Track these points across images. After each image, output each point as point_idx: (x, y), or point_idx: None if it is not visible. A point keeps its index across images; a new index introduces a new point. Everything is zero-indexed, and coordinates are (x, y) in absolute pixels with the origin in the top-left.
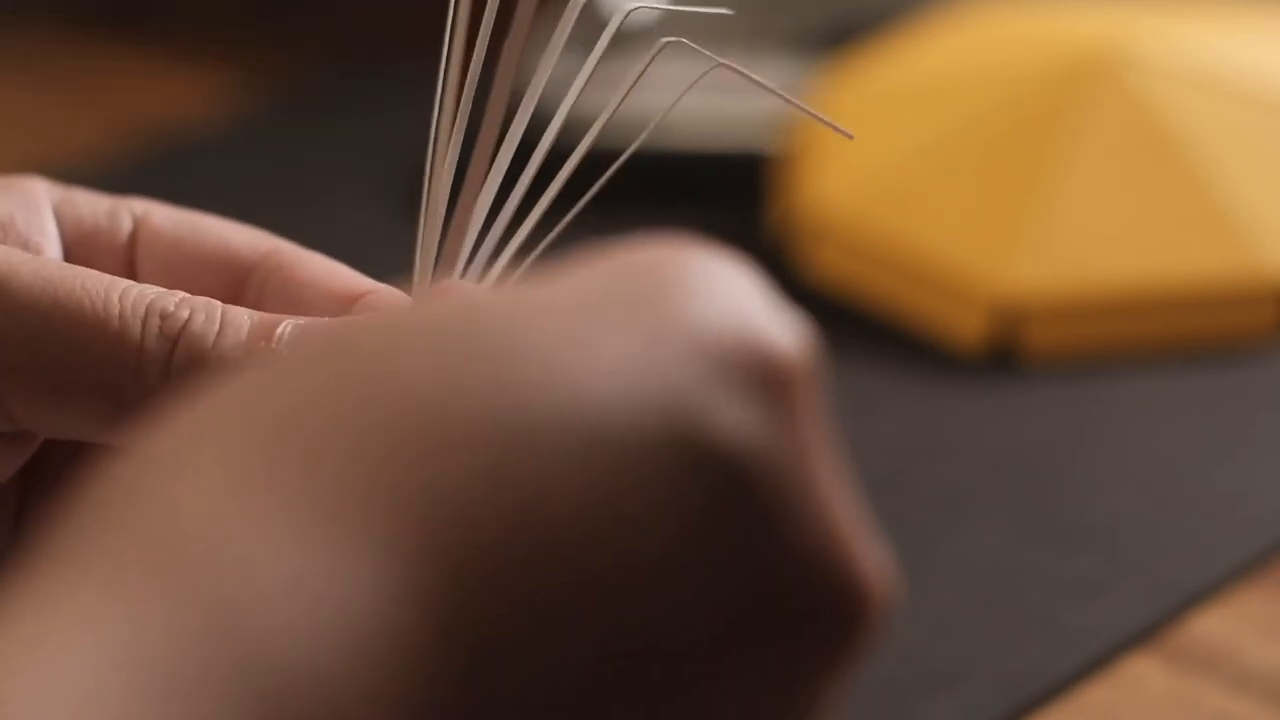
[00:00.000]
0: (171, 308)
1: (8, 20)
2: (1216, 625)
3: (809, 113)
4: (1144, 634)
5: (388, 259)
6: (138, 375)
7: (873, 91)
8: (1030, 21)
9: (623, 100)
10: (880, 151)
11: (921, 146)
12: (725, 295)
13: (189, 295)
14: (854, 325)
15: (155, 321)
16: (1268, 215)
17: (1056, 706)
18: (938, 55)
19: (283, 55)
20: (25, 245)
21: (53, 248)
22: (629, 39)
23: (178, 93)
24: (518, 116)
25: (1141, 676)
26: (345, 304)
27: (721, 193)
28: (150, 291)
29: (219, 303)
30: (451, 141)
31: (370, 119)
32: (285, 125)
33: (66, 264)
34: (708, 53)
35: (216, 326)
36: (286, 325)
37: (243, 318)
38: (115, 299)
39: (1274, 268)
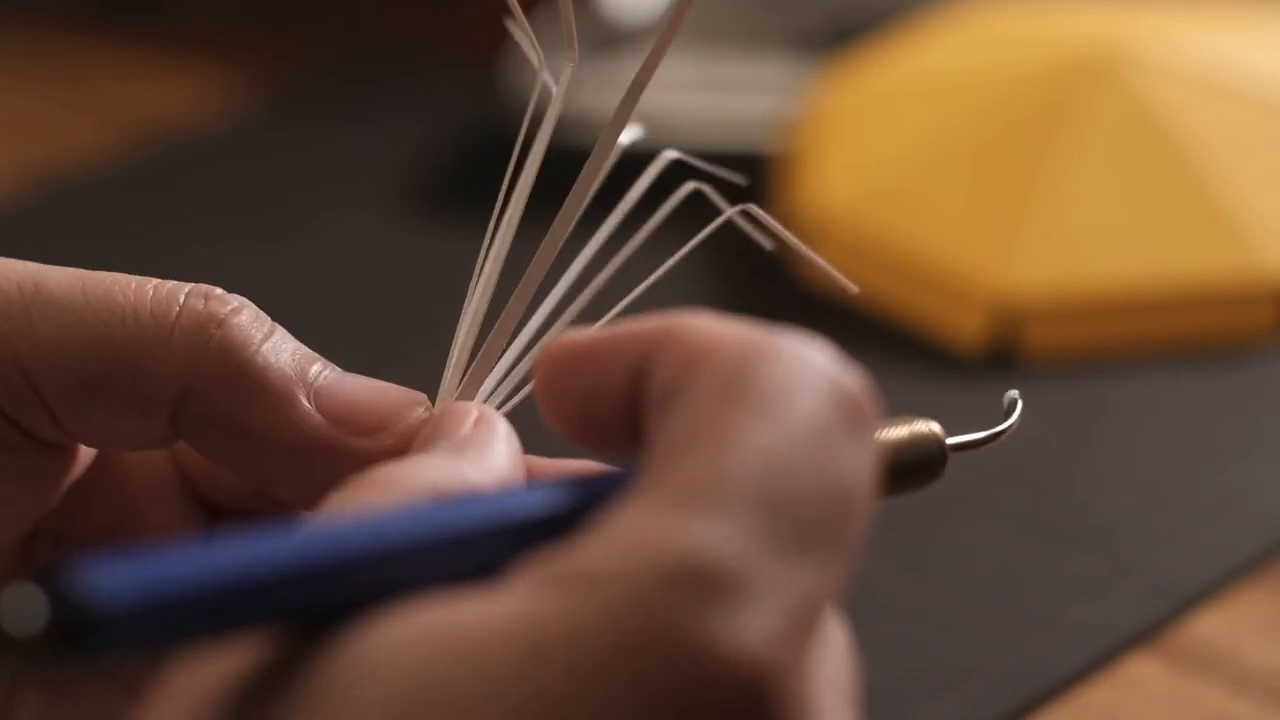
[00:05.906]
0: (216, 293)
1: (7, 20)
2: (1217, 625)
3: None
4: (1144, 634)
5: (384, 259)
6: (168, 365)
7: (873, 91)
8: (1030, 21)
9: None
10: (880, 151)
11: (921, 146)
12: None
13: (235, 296)
14: (854, 325)
15: (197, 304)
16: (1268, 215)
17: (1057, 706)
18: (938, 55)
19: (281, 57)
20: None
21: None
22: (630, 38)
23: (177, 93)
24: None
25: (1142, 676)
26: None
27: (722, 193)
28: (185, 285)
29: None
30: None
31: (368, 120)
32: (283, 126)
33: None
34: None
35: (265, 329)
36: (324, 369)
37: (287, 339)
38: (148, 290)
39: (1274, 268)
